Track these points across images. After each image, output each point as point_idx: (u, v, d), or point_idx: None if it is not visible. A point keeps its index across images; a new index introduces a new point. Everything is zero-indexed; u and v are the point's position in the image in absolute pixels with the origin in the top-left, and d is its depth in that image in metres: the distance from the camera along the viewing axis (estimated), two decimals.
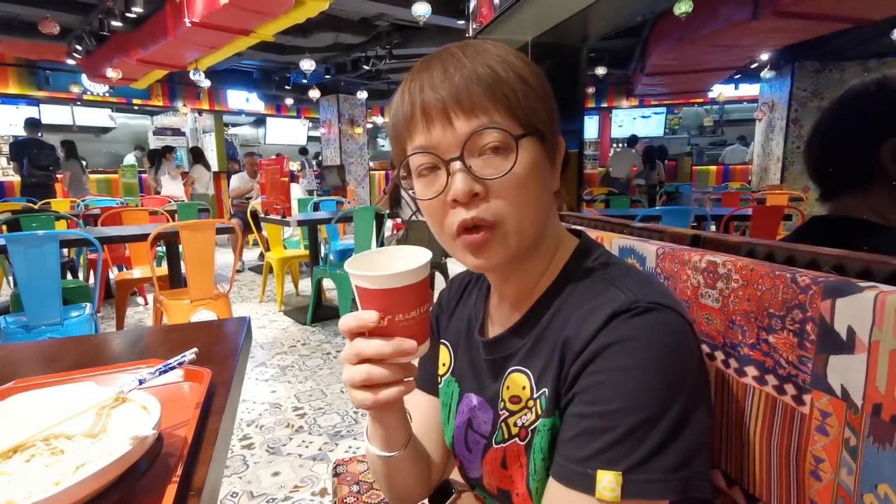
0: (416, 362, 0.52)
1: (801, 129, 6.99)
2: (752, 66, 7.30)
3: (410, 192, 0.54)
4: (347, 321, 0.49)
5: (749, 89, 9.38)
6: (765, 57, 6.65)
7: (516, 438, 0.53)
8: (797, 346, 0.47)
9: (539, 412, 0.51)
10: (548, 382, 0.50)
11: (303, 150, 11.15)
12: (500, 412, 0.56)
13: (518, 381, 0.54)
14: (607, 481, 0.42)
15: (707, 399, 0.47)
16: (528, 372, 0.53)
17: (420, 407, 0.69)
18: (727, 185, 7.93)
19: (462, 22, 5.60)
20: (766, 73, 7.20)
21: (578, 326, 0.48)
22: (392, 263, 0.51)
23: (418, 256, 0.50)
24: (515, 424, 0.54)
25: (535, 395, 0.52)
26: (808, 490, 0.46)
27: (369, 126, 10.94)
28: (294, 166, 9.49)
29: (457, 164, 0.48)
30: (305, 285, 4.77)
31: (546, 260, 0.55)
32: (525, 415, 0.53)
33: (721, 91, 9.36)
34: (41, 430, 0.49)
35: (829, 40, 5.69)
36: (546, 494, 0.47)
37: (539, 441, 0.50)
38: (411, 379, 0.51)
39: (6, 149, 7.57)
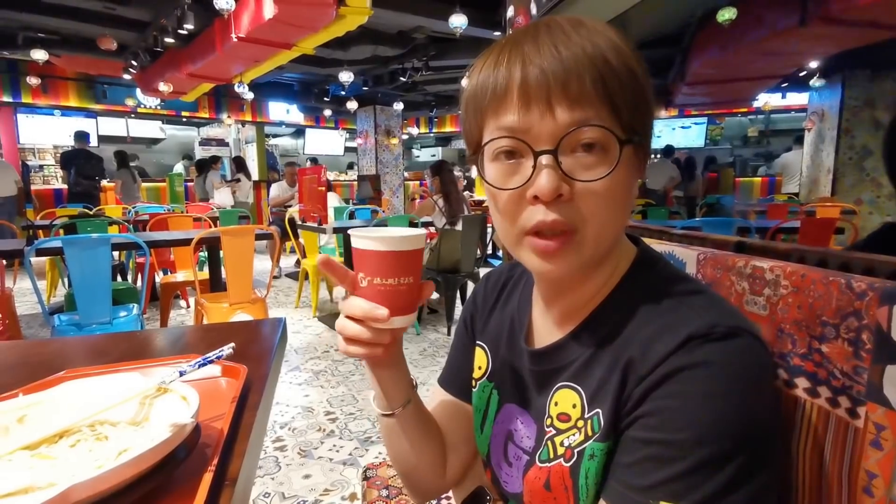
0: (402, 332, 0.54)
1: (853, 139, 6.66)
2: (801, 75, 7.02)
3: (472, 175, 0.53)
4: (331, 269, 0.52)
5: (797, 98, 8.99)
6: (814, 65, 6.38)
7: (561, 459, 0.50)
8: (853, 356, 0.44)
9: (589, 433, 0.48)
10: (604, 404, 0.47)
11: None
12: (547, 429, 0.52)
13: (568, 398, 0.51)
14: None
15: (780, 436, 0.44)
16: (580, 389, 0.50)
17: (442, 408, 0.68)
18: (773, 197, 7.61)
19: (498, 34, 5.64)
20: (816, 82, 6.91)
21: (646, 347, 0.44)
22: (385, 234, 0.52)
23: (409, 233, 0.51)
24: (562, 444, 0.50)
25: (585, 416, 0.48)
26: None
27: (405, 137, 11.08)
28: None
29: (547, 159, 0.43)
30: (339, 292, 4.84)
31: (607, 272, 0.51)
32: (573, 435, 0.49)
33: (767, 100, 9.02)
34: (87, 417, 0.51)
35: (881, 48, 5.41)
36: None
37: (594, 465, 0.46)
38: (381, 346, 0.52)
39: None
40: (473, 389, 0.65)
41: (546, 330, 0.57)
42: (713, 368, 0.40)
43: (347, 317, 0.51)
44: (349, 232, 0.51)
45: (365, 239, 0.49)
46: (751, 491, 0.39)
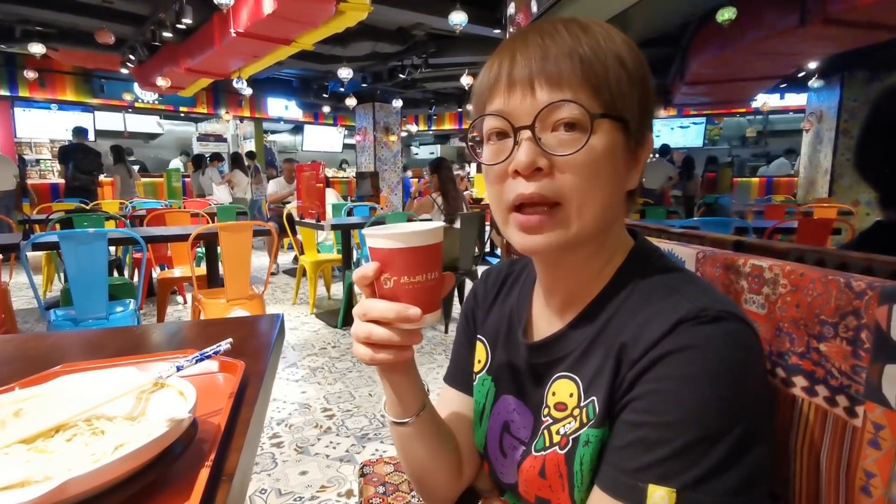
0: (424, 331, 0.52)
1: (851, 140, 6.68)
2: (799, 75, 7.04)
3: (476, 158, 0.53)
4: (355, 273, 0.50)
5: (795, 99, 9.02)
6: (812, 65, 6.40)
7: (556, 447, 0.50)
8: (851, 355, 0.44)
9: (584, 420, 0.48)
10: (599, 391, 0.47)
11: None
12: (544, 419, 0.53)
13: (565, 388, 0.52)
14: (658, 497, 0.39)
15: (771, 423, 0.44)
16: (577, 379, 0.51)
17: (452, 405, 0.68)
18: (770, 197, 7.64)
19: (498, 31, 5.62)
20: (814, 83, 6.93)
21: (637, 332, 0.45)
22: (405, 230, 0.51)
23: (430, 226, 0.50)
24: (558, 433, 0.51)
25: (582, 404, 0.49)
26: None
27: (403, 134, 11.07)
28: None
29: (525, 134, 0.46)
30: (337, 289, 4.83)
31: (602, 262, 0.52)
32: (569, 423, 0.50)
33: (765, 101, 9.03)
34: (83, 411, 0.51)
35: (880, 49, 5.43)
36: None
37: (588, 452, 0.47)
38: (412, 347, 0.52)
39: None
40: (474, 384, 0.66)
41: (545, 322, 0.57)
42: (700, 351, 0.41)
43: (371, 321, 0.50)
44: (364, 233, 0.50)
45: (387, 238, 0.47)
46: (738, 475, 0.39)
